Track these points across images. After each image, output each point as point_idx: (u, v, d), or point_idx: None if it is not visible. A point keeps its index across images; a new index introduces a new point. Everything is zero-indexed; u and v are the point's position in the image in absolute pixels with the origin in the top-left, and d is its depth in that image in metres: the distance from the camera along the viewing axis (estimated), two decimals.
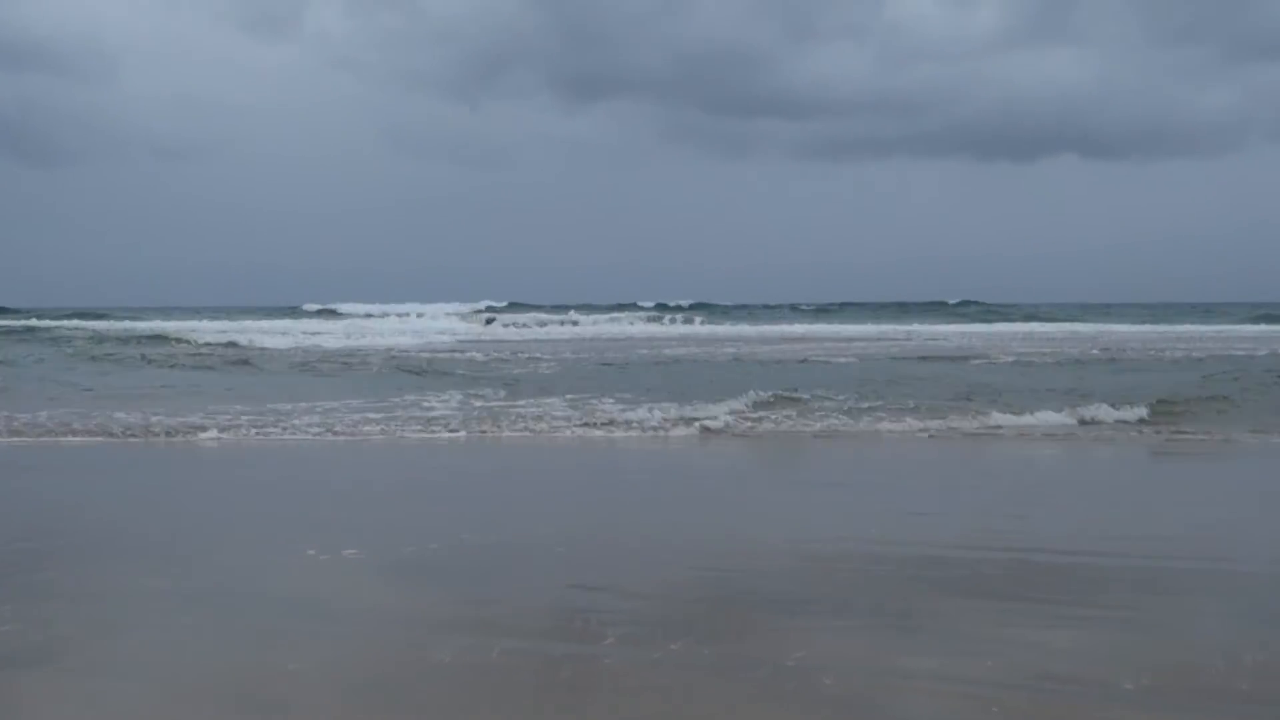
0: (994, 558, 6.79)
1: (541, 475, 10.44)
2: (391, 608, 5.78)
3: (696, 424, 13.12)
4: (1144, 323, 55.62)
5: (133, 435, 12.70)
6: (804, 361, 25.80)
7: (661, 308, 67.24)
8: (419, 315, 55.21)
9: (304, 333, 40.25)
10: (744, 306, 70.30)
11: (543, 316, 56.30)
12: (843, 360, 25.99)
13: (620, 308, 66.47)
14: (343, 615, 5.65)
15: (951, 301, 74.45)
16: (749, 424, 13.41)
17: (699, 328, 51.80)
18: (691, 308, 66.70)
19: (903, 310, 68.86)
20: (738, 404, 14.46)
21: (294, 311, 61.88)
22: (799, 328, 50.70)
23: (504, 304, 65.47)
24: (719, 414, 13.67)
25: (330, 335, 38.73)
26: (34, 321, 48.08)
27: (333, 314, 59.68)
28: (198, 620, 5.53)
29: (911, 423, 13.49)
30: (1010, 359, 26.33)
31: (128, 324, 46.29)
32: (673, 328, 52.43)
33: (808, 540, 7.34)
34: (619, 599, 5.89)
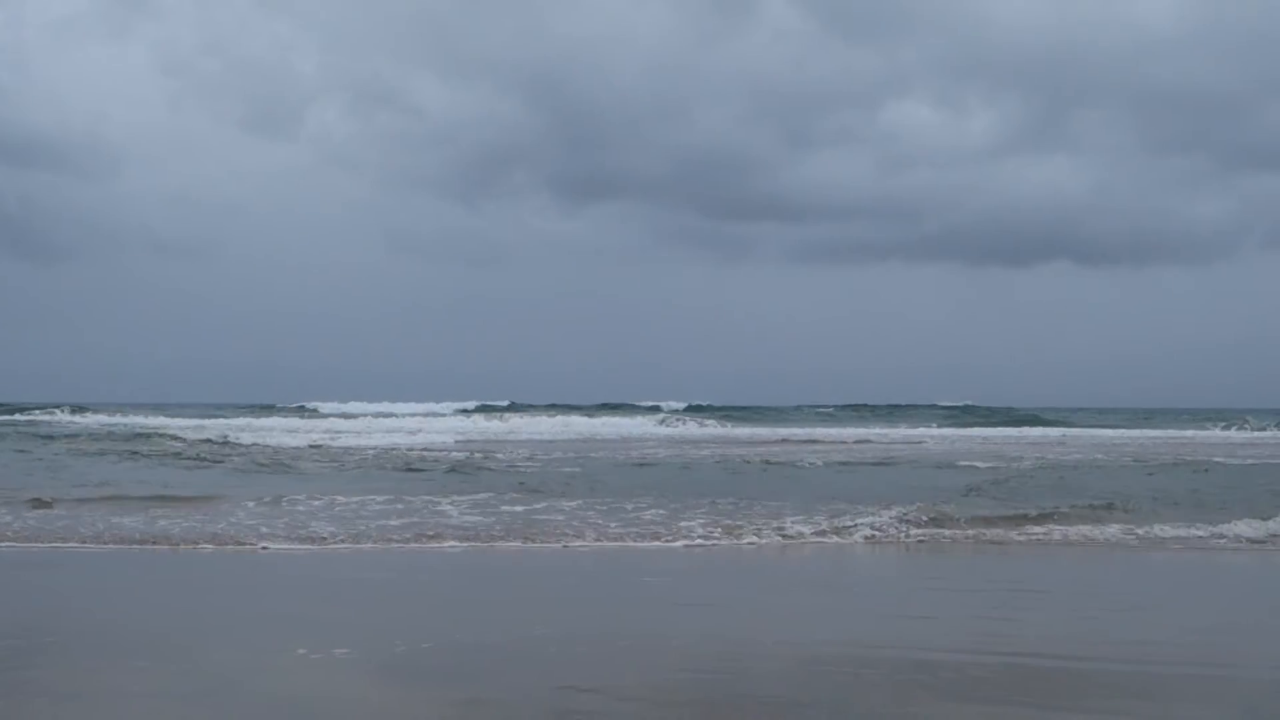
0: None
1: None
2: (380, 708, 5.71)
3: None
4: (1138, 427, 55.65)
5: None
6: (882, 464, 25.61)
7: (693, 408, 67.01)
8: (425, 415, 55.31)
9: (324, 431, 39.99)
10: (747, 408, 70.15)
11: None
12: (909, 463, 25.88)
13: (620, 408, 66.46)
14: (330, 716, 5.58)
15: (946, 404, 74.51)
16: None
17: (729, 429, 51.57)
18: (688, 409, 66.64)
19: (900, 413, 68.85)
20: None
21: (301, 411, 61.76)
22: (830, 431, 50.53)
23: (505, 403, 65.49)
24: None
25: (349, 434, 38.48)
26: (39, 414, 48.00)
27: (343, 414, 59.55)
28: None
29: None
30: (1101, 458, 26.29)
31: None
32: (697, 429, 52.23)
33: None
34: (609, 702, 5.82)
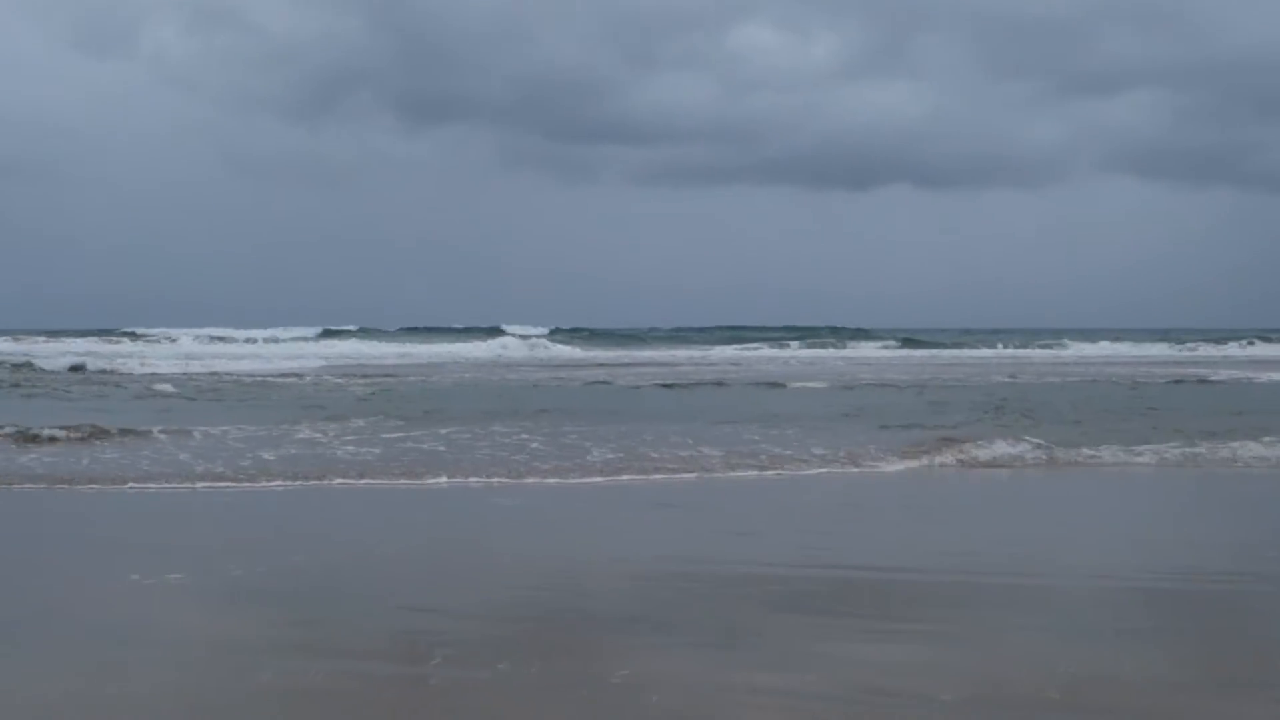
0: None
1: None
2: (214, 630, 5.69)
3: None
4: (973, 348, 57.47)
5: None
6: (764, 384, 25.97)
7: (557, 332, 66.06)
8: (267, 340, 53.78)
9: (180, 357, 38.46)
10: (601, 332, 69.98)
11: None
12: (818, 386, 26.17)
13: (473, 331, 65.63)
14: (161, 640, 5.53)
15: (805, 325, 75.01)
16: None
17: (594, 353, 51.19)
18: (554, 334, 66.05)
19: (755, 334, 69.39)
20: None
21: (135, 337, 59.20)
22: (692, 352, 51.02)
23: (354, 328, 64.02)
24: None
25: (169, 361, 37.07)
26: None
27: (170, 339, 57.37)
28: (11, 649, 5.35)
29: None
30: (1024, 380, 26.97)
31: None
32: (558, 350, 51.72)
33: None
34: (446, 619, 5.90)
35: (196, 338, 55.96)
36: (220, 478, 10.78)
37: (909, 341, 61.42)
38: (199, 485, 10.42)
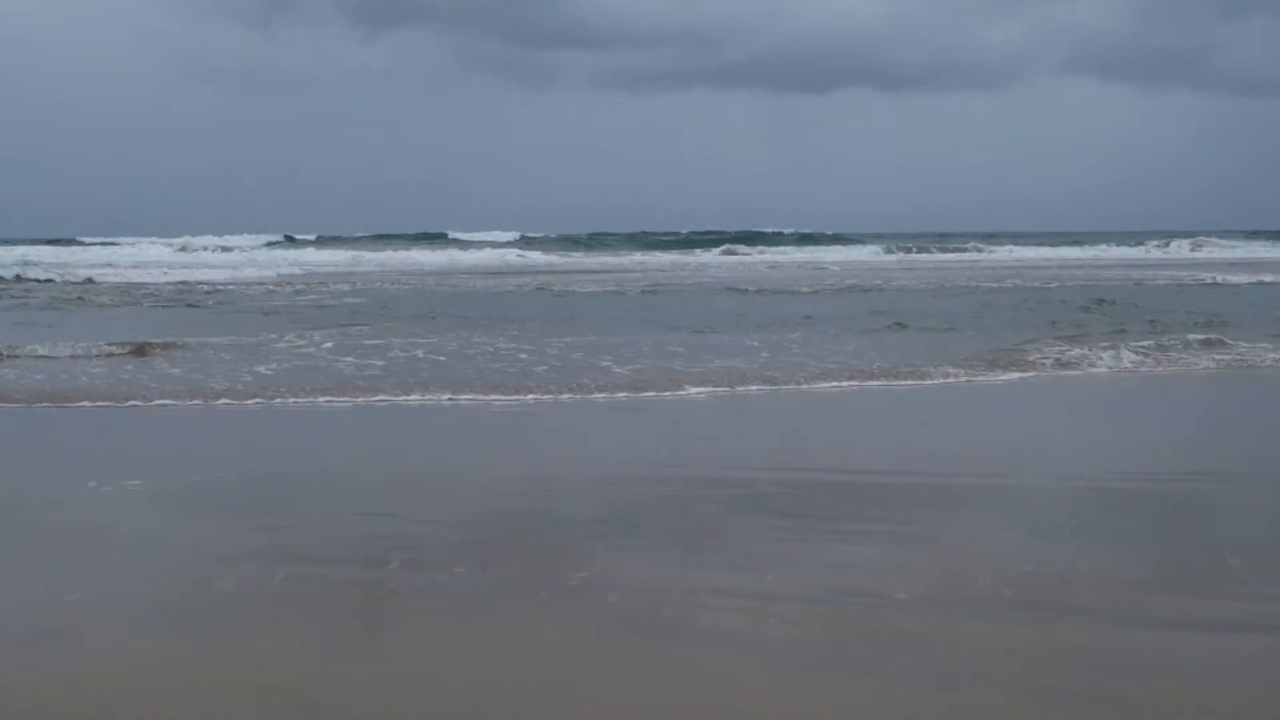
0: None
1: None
2: (172, 534, 5.66)
3: None
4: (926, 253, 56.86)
5: None
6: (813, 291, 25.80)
7: (526, 240, 65.21)
8: (222, 249, 53.03)
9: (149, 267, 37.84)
10: (572, 238, 69.28)
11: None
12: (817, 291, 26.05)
13: (428, 238, 64.93)
14: (124, 546, 5.50)
15: (769, 230, 74.20)
16: None
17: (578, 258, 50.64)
18: (521, 241, 65.36)
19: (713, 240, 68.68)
20: None
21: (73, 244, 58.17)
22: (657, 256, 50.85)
23: (313, 237, 63.23)
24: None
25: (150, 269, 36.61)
26: None
27: (113, 244, 56.45)
28: None
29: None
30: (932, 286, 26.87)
31: None
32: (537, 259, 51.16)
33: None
34: (405, 524, 5.88)
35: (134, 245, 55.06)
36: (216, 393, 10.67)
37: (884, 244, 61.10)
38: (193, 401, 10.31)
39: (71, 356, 12.74)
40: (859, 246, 59.51)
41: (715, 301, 22.94)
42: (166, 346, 13.39)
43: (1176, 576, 5.04)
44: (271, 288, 27.74)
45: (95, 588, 4.85)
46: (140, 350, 12.98)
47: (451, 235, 66.83)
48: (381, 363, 12.41)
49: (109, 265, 38.49)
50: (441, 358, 12.84)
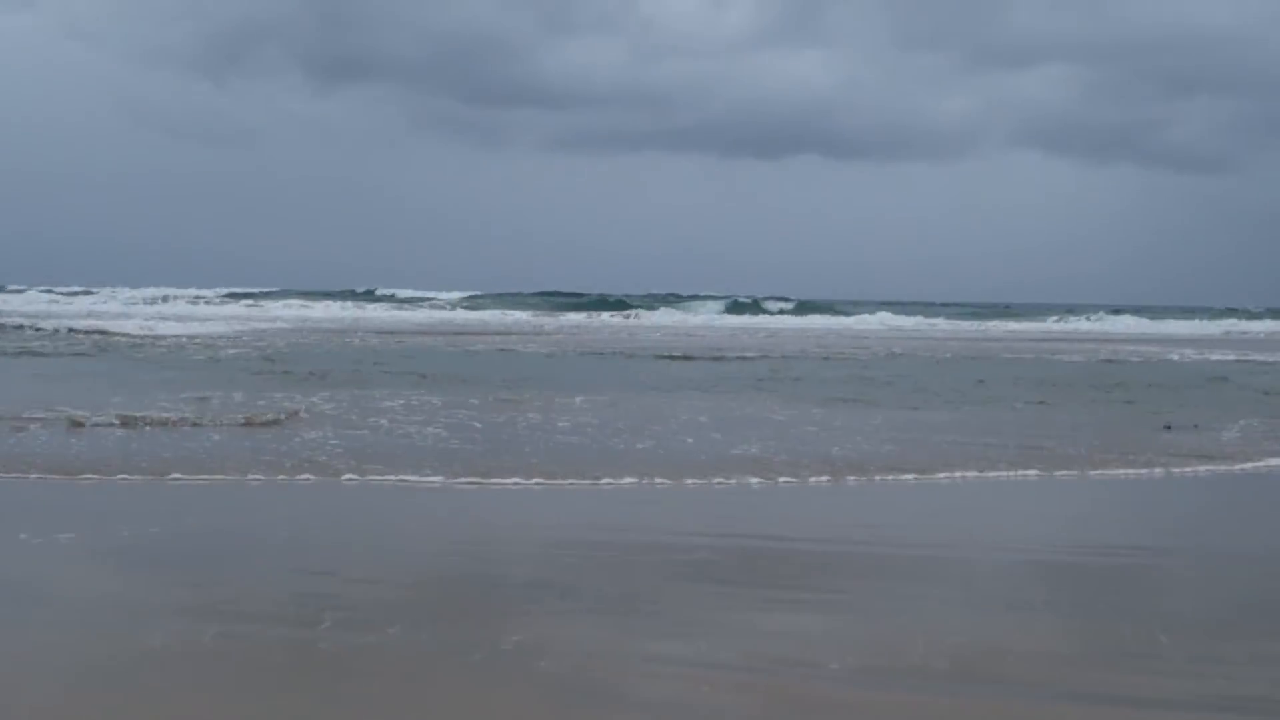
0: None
1: None
2: (104, 591, 5.57)
3: None
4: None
5: None
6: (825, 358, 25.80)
7: (473, 299, 65.45)
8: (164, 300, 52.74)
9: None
10: (517, 295, 69.45)
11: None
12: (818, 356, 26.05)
13: (385, 299, 64.91)
14: (54, 600, 5.42)
15: (716, 295, 74.50)
16: None
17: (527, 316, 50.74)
18: (471, 299, 65.43)
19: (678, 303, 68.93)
20: None
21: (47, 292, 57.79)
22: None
23: (258, 290, 63.04)
24: None
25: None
26: None
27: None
28: None
29: None
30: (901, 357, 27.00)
31: None
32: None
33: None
34: (341, 584, 5.83)
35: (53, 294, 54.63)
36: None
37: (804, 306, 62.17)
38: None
39: None
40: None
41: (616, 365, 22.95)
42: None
43: (1110, 651, 5.09)
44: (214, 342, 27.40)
45: (24, 643, 4.79)
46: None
47: (388, 292, 66.79)
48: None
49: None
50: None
